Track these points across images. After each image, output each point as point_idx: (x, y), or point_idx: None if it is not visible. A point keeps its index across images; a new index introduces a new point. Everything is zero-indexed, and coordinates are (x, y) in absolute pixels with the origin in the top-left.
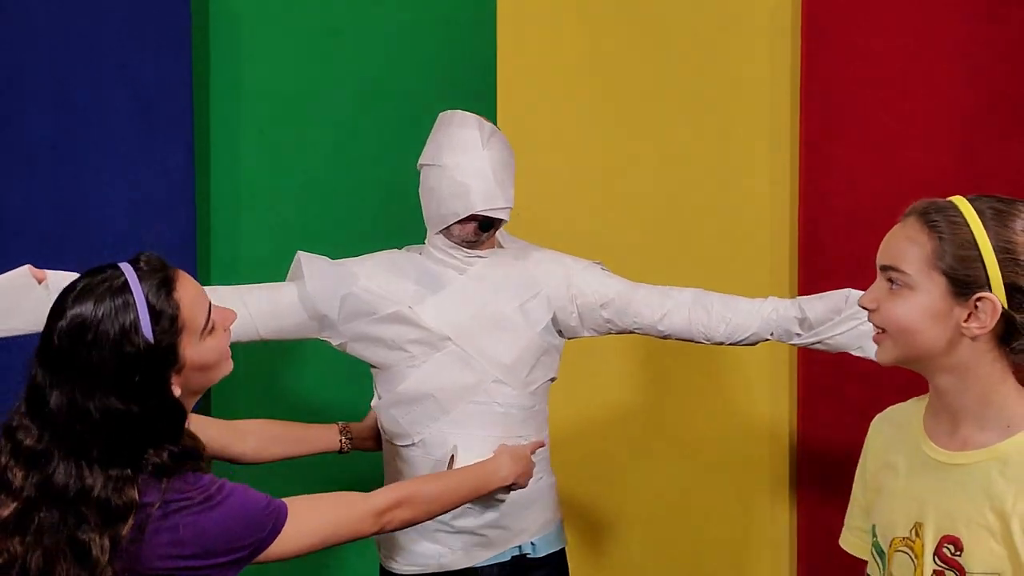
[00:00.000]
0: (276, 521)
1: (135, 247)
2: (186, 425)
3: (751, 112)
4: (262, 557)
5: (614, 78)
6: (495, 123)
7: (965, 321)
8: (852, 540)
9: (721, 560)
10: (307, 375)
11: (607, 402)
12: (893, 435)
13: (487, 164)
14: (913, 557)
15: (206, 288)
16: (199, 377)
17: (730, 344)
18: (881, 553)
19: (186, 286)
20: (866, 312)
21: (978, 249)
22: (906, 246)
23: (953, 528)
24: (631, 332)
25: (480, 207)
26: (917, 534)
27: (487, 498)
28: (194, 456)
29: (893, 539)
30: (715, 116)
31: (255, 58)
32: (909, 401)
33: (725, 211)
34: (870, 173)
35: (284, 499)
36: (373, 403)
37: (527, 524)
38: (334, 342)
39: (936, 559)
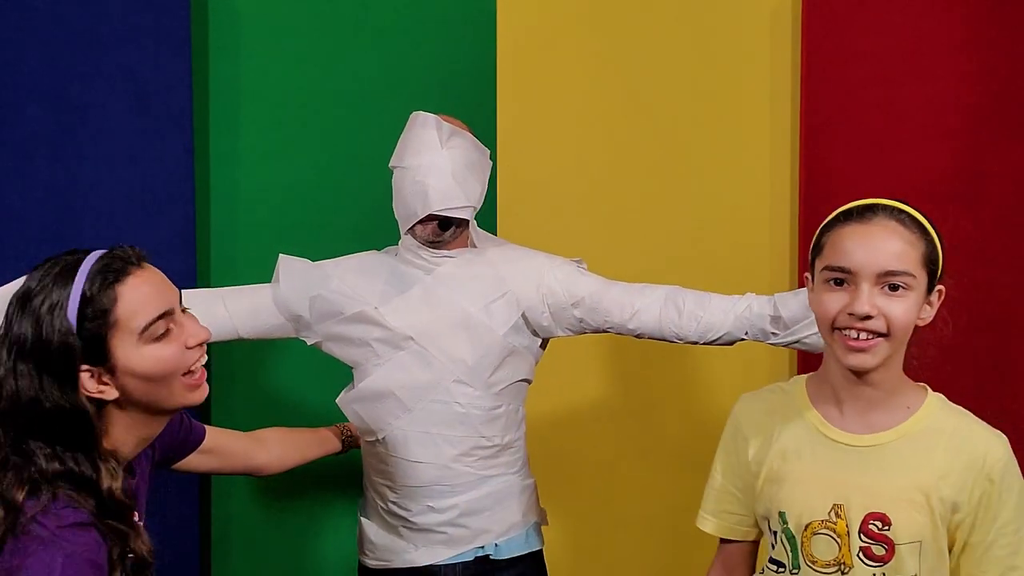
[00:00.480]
0: None
1: (134, 243)
2: (201, 445)
3: (751, 112)
4: None
5: (614, 78)
6: (495, 123)
7: (922, 313)
8: (714, 523)
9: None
10: (300, 374)
11: (593, 402)
12: (775, 423)
13: (446, 164)
14: (836, 537)
15: (196, 290)
16: (141, 388)
17: (704, 344)
18: (791, 538)
19: (139, 285)
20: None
21: (939, 246)
22: (907, 250)
23: (878, 505)
24: (605, 331)
25: (437, 207)
26: (838, 515)
27: (448, 496)
28: (109, 509)
29: (810, 523)
30: (715, 116)
31: (255, 56)
32: (773, 388)
33: (725, 211)
34: (870, 173)
35: None
36: (338, 398)
37: (489, 525)
38: (309, 341)
39: (862, 536)
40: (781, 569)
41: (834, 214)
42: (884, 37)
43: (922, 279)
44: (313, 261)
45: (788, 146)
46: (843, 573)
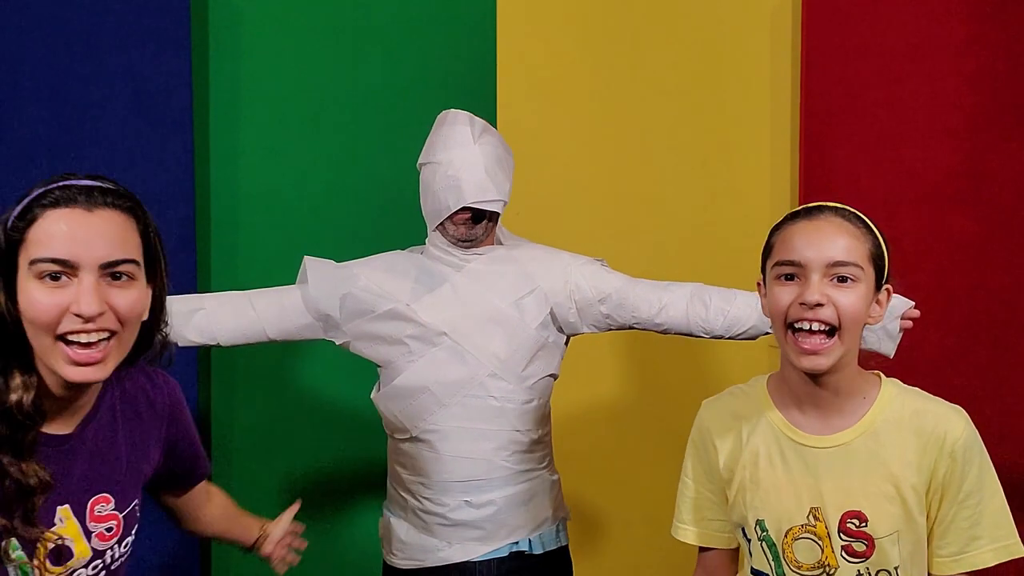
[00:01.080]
0: None
1: None
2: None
3: (751, 112)
4: None
5: (614, 78)
6: (495, 123)
7: (872, 311)
8: (692, 531)
9: None
10: (310, 374)
11: (608, 400)
12: (742, 428)
13: (478, 158)
14: (817, 540)
15: (225, 293)
16: (29, 327)
17: (729, 337)
18: (772, 545)
19: (60, 220)
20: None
21: (884, 245)
22: (855, 244)
23: (853, 503)
24: (631, 327)
25: (471, 199)
26: (816, 518)
27: (486, 491)
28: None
29: (790, 529)
30: (715, 116)
31: (255, 56)
32: (734, 391)
33: (725, 210)
34: (870, 173)
35: None
36: (372, 395)
37: (523, 521)
38: (338, 341)
39: (842, 535)
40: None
41: (783, 217)
42: (884, 37)
43: (869, 274)
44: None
45: (788, 146)
46: (828, 574)
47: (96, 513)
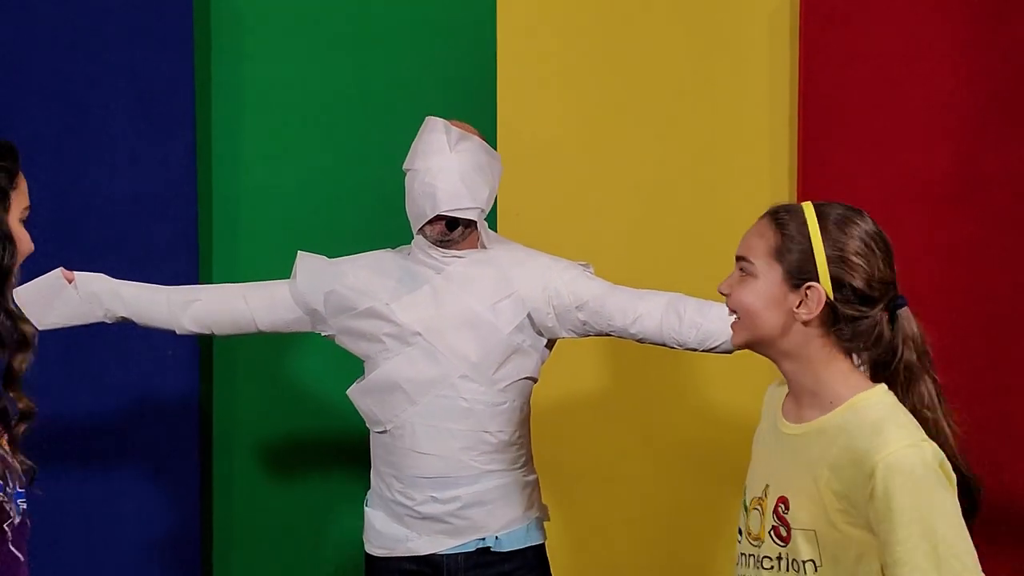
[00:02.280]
0: None
1: (136, 244)
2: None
3: (749, 113)
4: None
5: (613, 79)
6: (495, 123)
7: (796, 307)
8: None
9: (707, 557)
10: (312, 369)
11: (594, 399)
12: (767, 408)
13: (454, 166)
14: (762, 514)
15: (220, 285)
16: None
17: (704, 351)
18: (745, 509)
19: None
20: None
21: (811, 245)
22: (755, 240)
23: (785, 490)
24: (608, 335)
25: (445, 207)
26: (765, 494)
27: (451, 488)
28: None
29: (751, 499)
30: (715, 116)
31: (257, 57)
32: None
33: (725, 211)
34: (870, 173)
35: None
36: (348, 390)
37: (490, 518)
38: (324, 334)
39: (774, 516)
40: (739, 536)
41: None
42: (883, 37)
43: (768, 269)
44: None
45: (787, 146)
46: (758, 547)
47: None
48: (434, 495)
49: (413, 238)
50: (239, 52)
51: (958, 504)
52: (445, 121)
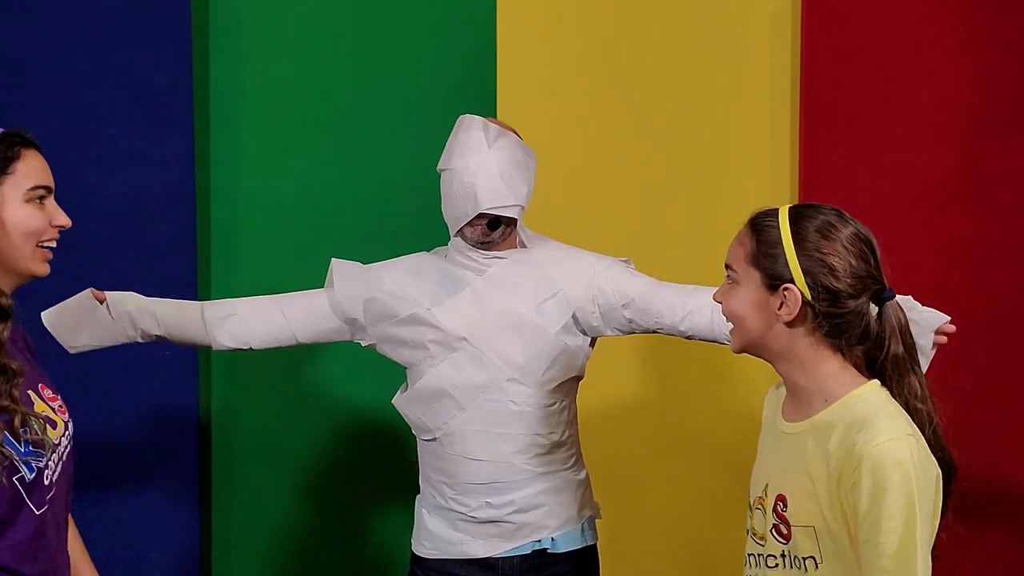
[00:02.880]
0: None
1: (135, 245)
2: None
3: (751, 112)
4: None
5: (614, 78)
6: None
7: (778, 310)
8: None
9: (736, 555)
10: (311, 372)
11: (628, 401)
12: (768, 410)
13: (493, 164)
14: (764, 512)
15: (254, 298)
16: (4, 236)
17: None
18: (750, 509)
19: (37, 157)
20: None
21: (783, 248)
22: (736, 248)
23: (784, 488)
24: (655, 332)
25: (486, 205)
26: (766, 493)
27: (505, 493)
28: None
29: (754, 499)
30: (715, 116)
31: (255, 57)
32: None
33: (725, 211)
34: (871, 172)
35: None
36: (394, 399)
37: (546, 520)
38: (364, 343)
39: (774, 514)
40: (747, 536)
41: None
42: (884, 37)
43: (749, 274)
44: (364, 264)
45: (788, 146)
46: (762, 546)
47: (46, 395)
48: (489, 500)
49: (451, 241)
50: (237, 52)
51: (934, 497)
52: (482, 119)
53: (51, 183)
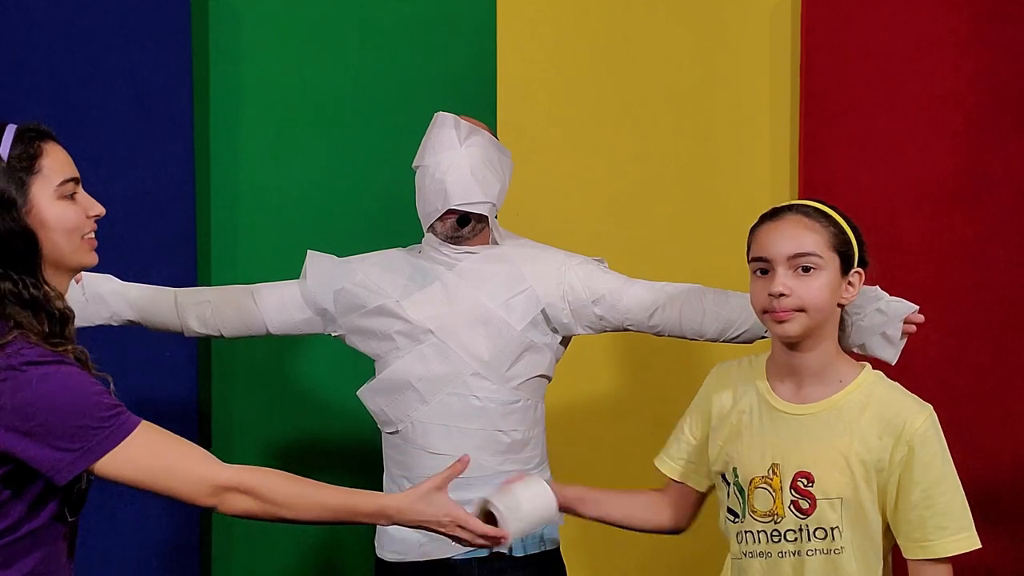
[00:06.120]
0: (117, 427)
1: (135, 245)
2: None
3: (751, 112)
4: (92, 468)
5: (614, 78)
6: (495, 123)
7: (844, 293)
8: (672, 466)
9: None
10: (310, 369)
11: (605, 397)
12: (738, 388)
13: (464, 161)
14: (772, 491)
15: (227, 286)
16: (47, 236)
17: (724, 341)
18: (741, 490)
19: (59, 149)
20: (860, 309)
21: (849, 236)
22: (810, 235)
23: (805, 465)
24: (625, 329)
25: (456, 201)
26: (774, 473)
27: (465, 490)
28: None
29: (753, 478)
30: (715, 116)
31: (255, 57)
32: (743, 360)
33: (725, 211)
34: (870, 173)
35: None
36: (359, 390)
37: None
38: (335, 334)
39: (792, 491)
40: (735, 517)
41: (758, 218)
42: (884, 36)
43: (831, 260)
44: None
45: (788, 146)
46: (776, 522)
47: None
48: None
49: (422, 236)
50: (237, 52)
51: None
52: (455, 116)
53: (77, 173)
